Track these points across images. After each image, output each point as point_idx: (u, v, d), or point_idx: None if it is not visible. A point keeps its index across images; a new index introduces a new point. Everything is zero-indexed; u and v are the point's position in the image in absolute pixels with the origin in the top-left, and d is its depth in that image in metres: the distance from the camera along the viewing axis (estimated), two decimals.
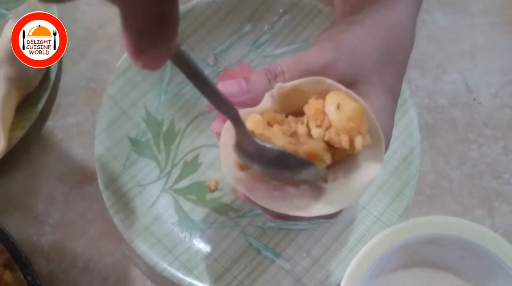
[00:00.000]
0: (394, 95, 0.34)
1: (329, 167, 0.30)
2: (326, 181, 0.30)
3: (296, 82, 0.29)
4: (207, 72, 0.48)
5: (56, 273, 0.44)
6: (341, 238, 0.45)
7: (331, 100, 0.28)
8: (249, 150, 0.28)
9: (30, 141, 0.47)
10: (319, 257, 0.44)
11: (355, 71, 0.31)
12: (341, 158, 0.30)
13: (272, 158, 0.28)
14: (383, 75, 0.33)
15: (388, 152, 0.46)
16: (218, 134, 0.31)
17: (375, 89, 0.32)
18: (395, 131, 0.46)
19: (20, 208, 0.46)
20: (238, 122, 0.28)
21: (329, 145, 0.29)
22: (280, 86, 0.29)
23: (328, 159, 0.29)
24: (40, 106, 0.46)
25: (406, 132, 0.46)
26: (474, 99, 0.50)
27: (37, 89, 0.46)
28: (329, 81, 0.29)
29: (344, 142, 0.27)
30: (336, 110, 0.28)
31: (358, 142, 0.28)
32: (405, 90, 0.46)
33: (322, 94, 0.29)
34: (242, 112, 0.29)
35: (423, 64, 0.51)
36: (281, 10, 0.49)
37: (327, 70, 0.31)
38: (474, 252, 0.40)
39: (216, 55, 0.49)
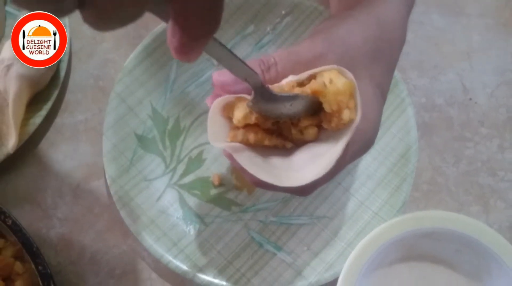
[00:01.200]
0: (382, 90, 0.35)
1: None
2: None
3: (291, 79, 0.32)
4: (212, 71, 0.50)
5: (65, 264, 0.46)
6: (340, 232, 0.46)
7: (323, 76, 0.30)
8: (265, 106, 0.31)
9: (39, 137, 0.49)
10: (319, 251, 0.45)
11: (345, 64, 0.32)
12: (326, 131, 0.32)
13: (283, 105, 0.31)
14: (372, 69, 0.34)
15: (387, 149, 0.48)
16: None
17: (364, 83, 0.33)
18: (393, 129, 0.48)
19: (30, 202, 0.47)
20: (259, 87, 0.30)
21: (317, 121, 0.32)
22: (274, 86, 0.32)
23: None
24: (49, 103, 0.47)
25: (404, 130, 0.48)
26: (470, 99, 0.51)
27: (47, 87, 0.48)
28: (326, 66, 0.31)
29: (334, 105, 0.30)
30: (328, 85, 0.30)
31: (346, 114, 0.30)
32: (403, 89, 0.48)
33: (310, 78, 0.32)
34: (233, 96, 0.32)
35: (421, 65, 0.52)
36: (283, 12, 0.51)
37: (318, 62, 0.32)
38: (469, 246, 0.41)
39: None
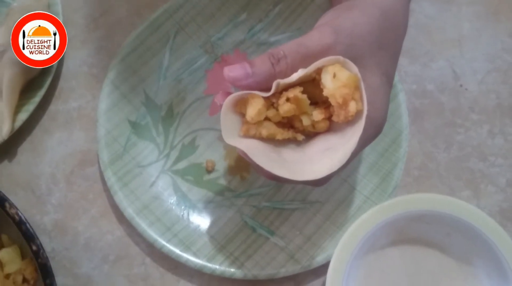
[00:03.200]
0: (388, 77, 0.36)
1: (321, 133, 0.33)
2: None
3: (300, 74, 0.32)
4: (204, 58, 0.50)
5: (59, 250, 0.46)
6: (332, 216, 0.46)
7: (328, 71, 0.31)
8: None
9: (33, 124, 0.49)
10: (311, 235, 0.46)
11: (352, 55, 0.33)
12: (335, 125, 0.32)
13: None
14: (378, 58, 0.35)
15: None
16: (221, 106, 0.33)
17: (371, 72, 0.34)
18: None
19: (24, 188, 0.47)
20: None
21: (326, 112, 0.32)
22: (285, 81, 0.32)
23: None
24: (43, 90, 0.48)
25: (395, 115, 0.48)
26: (461, 85, 0.52)
27: (40, 74, 0.48)
28: (329, 57, 0.31)
29: (339, 99, 0.30)
30: (332, 79, 0.30)
31: (352, 106, 0.30)
32: (394, 76, 0.48)
33: (318, 71, 0.32)
34: (245, 93, 0.32)
35: (412, 52, 0.53)
36: None
37: (326, 54, 0.32)
38: (459, 229, 0.42)
39: (213, 43, 0.51)
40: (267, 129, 0.33)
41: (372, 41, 0.34)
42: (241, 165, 0.48)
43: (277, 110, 0.33)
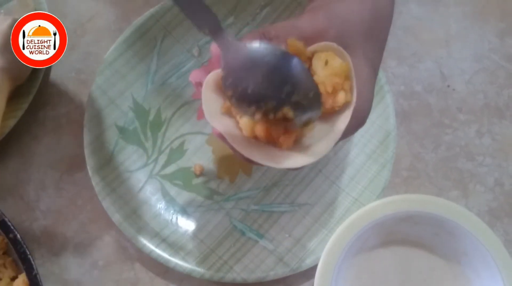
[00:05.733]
0: (375, 68, 0.35)
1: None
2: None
3: None
4: (192, 62, 0.50)
5: (48, 256, 0.46)
6: (321, 219, 0.46)
7: (320, 58, 0.30)
8: (237, 66, 0.29)
9: (22, 130, 0.49)
10: (300, 237, 0.46)
11: (344, 42, 0.32)
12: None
13: (262, 64, 0.29)
14: (366, 48, 0.34)
15: (366, 136, 0.49)
16: (197, 84, 0.32)
17: (359, 62, 0.33)
18: (372, 116, 0.49)
19: (13, 194, 0.47)
20: (219, 32, 0.28)
21: None
22: None
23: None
24: (31, 96, 0.47)
25: (383, 117, 0.48)
26: (449, 86, 0.52)
27: (28, 80, 0.48)
28: (324, 43, 0.31)
29: (329, 87, 0.29)
30: (324, 66, 0.30)
31: (341, 96, 0.30)
32: (381, 77, 0.49)
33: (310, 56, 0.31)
34: None
35: (400, 53, 0.53)
36: (262, 3, 0.51)
37: (318, 38, 0.32)
38: (447, 229, 0.42)
39: (200, 46, 0.51)
40: (243, 126, 0.31)
41: (363, 31, 0.34)
42: (230, 169, 0.48)
43: None
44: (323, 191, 0.47)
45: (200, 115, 0.49)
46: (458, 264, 0.43)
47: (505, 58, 0.53)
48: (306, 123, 0.30)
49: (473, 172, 0.49)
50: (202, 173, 0.48)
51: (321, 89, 0.30)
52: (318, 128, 0.31)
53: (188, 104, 0.49)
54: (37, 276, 0.40)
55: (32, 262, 0.40)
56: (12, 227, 0.41)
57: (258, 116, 0.29)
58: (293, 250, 0.45)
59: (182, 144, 0.48)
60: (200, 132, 0.49)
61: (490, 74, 0.52)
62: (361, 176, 0.47)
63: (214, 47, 0.32)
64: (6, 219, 0.41)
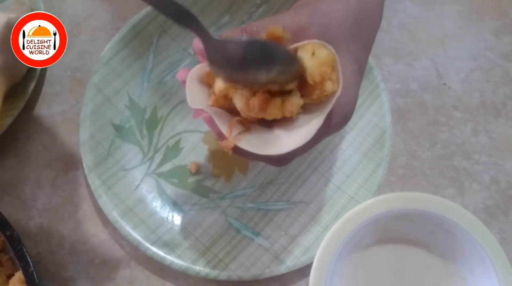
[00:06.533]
0: (360, 67, 0.35)
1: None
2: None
3: None
4: (188, 61, 0.50)
5: (44, 254, 0.46)
6: (317, 216, 0.46)
7: (306, 49, 0.30)
8: (220, 57, 0.29)
9: (18, 129, 0.49)
10: (296, 235, 0.46)
11: (326, 39, 0.32)
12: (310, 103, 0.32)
13: (243, 54, 0.29)
14: (351, 45, 0.34)
15: (362, 134, 0.49)
16: (183, 82, 0.32)
17: (343, 58, 0.33)
18: (368, 114, 0.49)
19: (9, 193, 0.47)
20: (201, 31, 0.29)
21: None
22: None
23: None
24: (27, 95, 0.48)
25: (378, 115, 0.48)
26: (444, 84, 0.52)
27: (24, 79, 0.48)
28: (306, 41, 0.31)
29: (317, 77, 0.30)
30: (311, 56, 0.30)
31: (329, 86, 0.30)
32: (377, 75, 0.49)
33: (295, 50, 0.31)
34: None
35: (395, 52, 0.53)
36: (258, 1, 0.51)
37: (300, 34, 0.32)
38: (443, 227, 0.42)
39: None
40: (238, 100, 0.31)
41: (346, 28, 0.34)
42: (226, 167, 0.48)
43: None
44: (319, 189, 0.47)
45: (196, 113, 0.49)
46: (453, 262, 0.43)
47: (501, 56, 0.53)
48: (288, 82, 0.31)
49: (469, 170, 0.49)
50: (198, 171, 0.48)
51: (309, 79, 0.30)
52: (303, 119, 0.32)
53: (184, 102, 0.50)
54: (34, 273, 0.40)
55: (29, 259, 0.40)
56: (9, 225, 0.41)
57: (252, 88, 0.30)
58: (288, 248, 0.45)
59: (178, 142, 0.49)
60: (196, 130, 0.49)
61: (486, 73, 0.52)
62: (356, 174, 0.47)
63: (196, 42, 0.32)
64: (3, 217, 0.41)
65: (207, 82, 0.33)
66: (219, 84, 0.31)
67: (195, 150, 0.48)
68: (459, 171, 0.49)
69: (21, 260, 0.40)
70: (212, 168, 0.48)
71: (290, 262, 0.44)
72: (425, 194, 0.42)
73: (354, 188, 0.47)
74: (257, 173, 0.48)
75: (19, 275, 0.41)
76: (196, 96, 0.32)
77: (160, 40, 0.50)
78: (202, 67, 0.32)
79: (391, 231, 0.43)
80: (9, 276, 0.42)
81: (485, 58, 0.53)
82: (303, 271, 0.45)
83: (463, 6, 0.55)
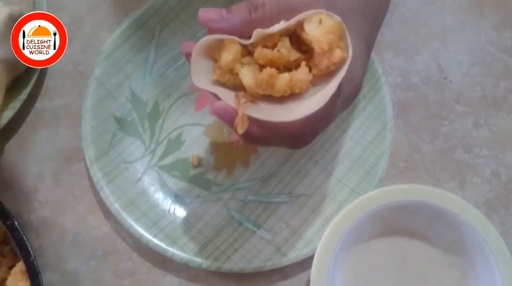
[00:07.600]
0: (368, 45, 0.35)
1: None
2: None
3: (282, 26, 0.31)
4: None
5: (46, 246, 0.46)
6: (318, 209, 0.47)
7: (312, 20, 0.30)
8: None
9: (19, 122, 0.49)
10: (298, 228, 0.46)
11: (334, 13, 0.32)
12: (318, 74, 0.31)
13: None
14: (359, 23, 0.34)
15: (363, 127, 0.49)
16: (188, 54, 0.32)
17: (351, 34, 0.32)
18: (369, 108, 0.49)
19: (11, 186, 0.47)
20: None
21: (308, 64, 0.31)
22: (266, 31, 0.31)
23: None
24: (29, 88, 0.48)
25: (379, 108, 0.48)
26: (445, 78, 0.52)
27: (26, 72, 0.48)
28: (312, 10, 0.31)
29: (324, 44, 0.29)
30: (318, 25, 0.30)
31: (337, 53, 0.30)
32: (378, 68, 0.49)
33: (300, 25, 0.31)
34: (222, 37, 0.31)
35: (397, 46, 0.53)
36: None
37: (307, 9, 0.32)
38: (444, 219, 0.42)
39: (198, 38, 0.50)
40: (245, 75, 0.31)
41: (355, 5, 0.34)
42: (228, 159, 0.48)
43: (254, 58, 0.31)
44: (320, 182, 0.47)
45: (198, 106, 0.50)
46: (455, 255, 0.43)
47: (502, 50, 0.53)
48: None
49: (470, 164, 0.49)
50: (200, 164, 0.48)
51: (316, 48, 0.30)
52: (313, 90, 0.31)
53: (185, 96, 0.50)
54: (35, 262, 0.40)
55: (30, 248, 0.40)
56: (10, 214, 0.41)
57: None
58: (290, 240, 0.45)
59: (179, 135, 0.49)
60: (198, 123, 0.49)
61: (487, 66, 0.52)
62: (358, 167, 0.48)
63: (184, 46, 0.32)
64: (4, 206, 0.42)
65: (213, 57, 0.32)
66: (226, 57, 0.30)
67: (196, 143, 0.49)
68: (460, 164, 0.49)
69: (22, 249, 0.41)
70: (214, 161, 0.48)
71: (292, 255, 0.44)
72: (426, 186, 0.42)
73: (356, 181, 0.47)
74: (258, 165, 0.48)
75: (20, 266, 0.41)
76: (201, 71, 0.31)
77: (162, 34, 0.50)
78: (209, 39, 0.31)
79: (392, 224, 0.43)
80: (11, 267, 0.42)
81: (485, 52, 0.53)
82: (305, 263, 0.45)
83: (463, 0, 0.55)
